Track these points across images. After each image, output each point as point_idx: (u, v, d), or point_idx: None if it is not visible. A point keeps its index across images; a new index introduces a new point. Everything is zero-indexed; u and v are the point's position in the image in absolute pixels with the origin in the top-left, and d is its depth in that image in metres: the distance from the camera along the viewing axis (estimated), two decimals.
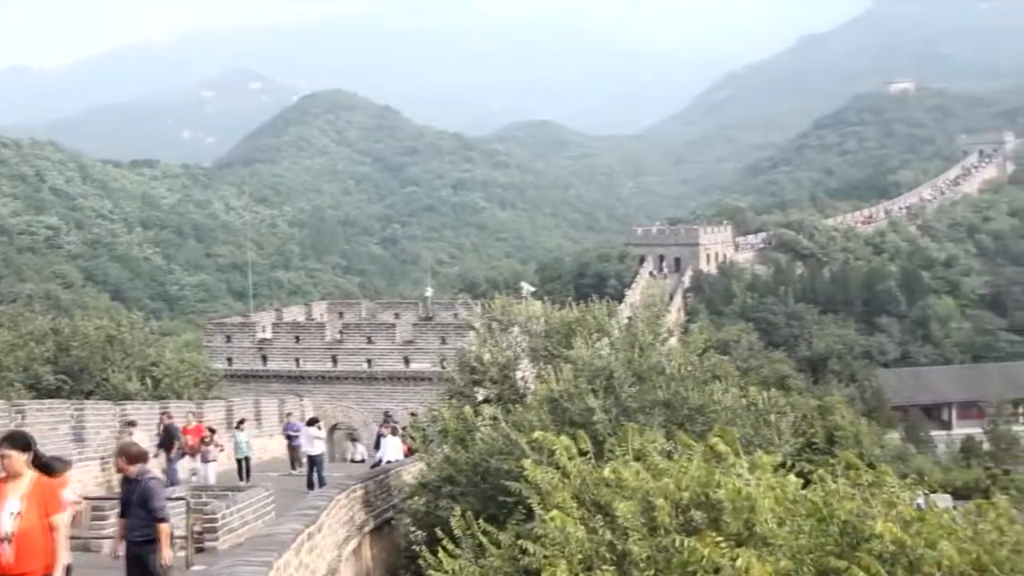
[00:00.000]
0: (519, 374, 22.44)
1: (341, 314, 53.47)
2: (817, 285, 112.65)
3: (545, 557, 9.09)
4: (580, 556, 9.07)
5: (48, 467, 9.15)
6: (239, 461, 26.63)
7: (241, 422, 28.18)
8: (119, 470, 11.14)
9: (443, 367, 35.11)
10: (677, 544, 8.47)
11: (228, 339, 45.35)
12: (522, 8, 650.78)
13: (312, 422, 26.55)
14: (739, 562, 7.85)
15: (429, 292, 59.98)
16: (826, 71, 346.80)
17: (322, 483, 23.17)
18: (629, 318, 23.09)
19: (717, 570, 8.00)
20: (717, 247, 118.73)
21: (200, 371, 39.21)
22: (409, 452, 27.13)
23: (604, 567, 8.90)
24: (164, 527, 10.29)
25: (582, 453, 10.91)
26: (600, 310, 23.02)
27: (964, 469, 60.24)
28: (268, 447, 33.54)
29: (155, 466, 22.07)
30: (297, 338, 44.80)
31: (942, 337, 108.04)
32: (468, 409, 18.35)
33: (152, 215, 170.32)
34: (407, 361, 43.23)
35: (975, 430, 77.57)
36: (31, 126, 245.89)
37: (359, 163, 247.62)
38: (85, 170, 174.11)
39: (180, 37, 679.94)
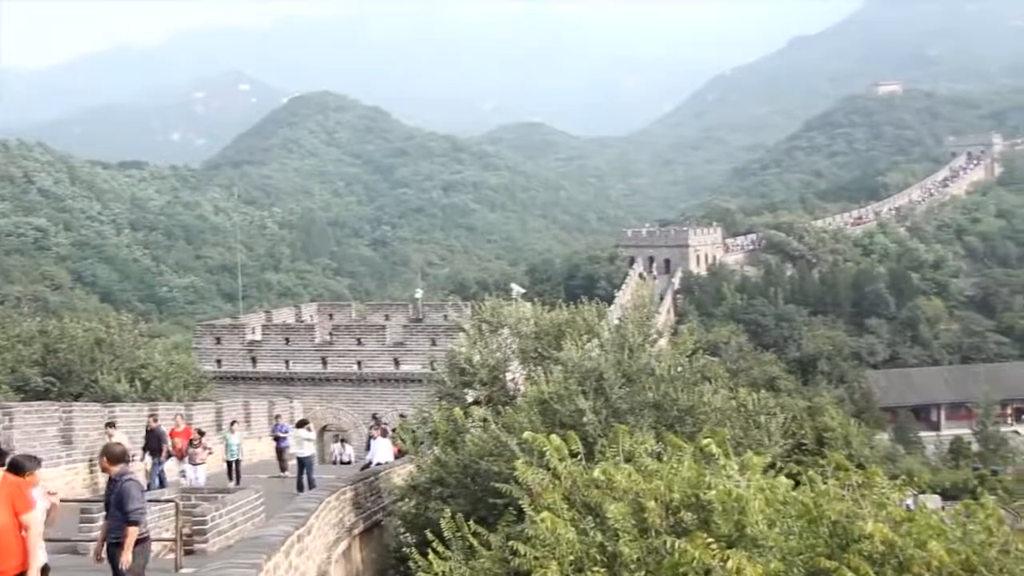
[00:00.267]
0: (509, 376, 22.43)
1: (331, 316, 53.40)
2: (806, 286, 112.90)
3: (536, 558, 9.08)
4: (571, 557, 9.07)
5: (17, 466, 9.12)
6: (229, 463, 26.56)
7: (232, 424, 28.11)
8: (103, 470, 11.11)
9: (433, 369, 35.09)
10: (668, 545, 8.47)
11: (218, 341, 45.20)
12: (512, 10, 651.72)
13: (302, 424, 26.48)
14: (730, 563, 7.85)
15: (419, 294, 59.85)
16: (815, 73, 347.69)
17: (312, 485, 23.11)
18: (619, 319, 23.09)
19: (708, 571, 8.00)
20: (707, 249, 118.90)
21: (189, 373, 39.14)
22: (399, 454, 27.11)
23: (595, 568, 8.89)
24: (132, 530, 10.22)
25: (572, 454, 10.90)
26: (590, 312, 23.03)
27: (953, 470, 60.45)
28: (257, 449, 33.47)
29: (140, 469, 22.04)
30: (287, 340, 44.68)
31: (931, 338, 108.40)
32: (458, 411, 18.33)
33: (141, 217, 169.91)
34: (397, 363, 43.16)
35: (964, 431, 77.87)
36: (19, 127, 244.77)
37: (349, 165, 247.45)
38: (73, 172, 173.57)
39: (169, 38, 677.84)
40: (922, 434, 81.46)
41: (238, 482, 25.20)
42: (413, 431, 20.59)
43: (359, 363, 43.51)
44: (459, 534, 11.13)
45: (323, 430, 42.29)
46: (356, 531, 19.18)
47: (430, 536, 11.52)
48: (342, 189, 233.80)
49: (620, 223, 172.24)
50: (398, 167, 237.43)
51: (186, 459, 24.23)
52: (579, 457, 10.97)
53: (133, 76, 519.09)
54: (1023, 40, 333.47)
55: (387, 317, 51.84)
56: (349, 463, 35.35)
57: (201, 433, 25.17)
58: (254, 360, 44.42)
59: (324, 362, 43.85)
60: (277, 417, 32.22)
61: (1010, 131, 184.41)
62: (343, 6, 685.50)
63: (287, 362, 44.09)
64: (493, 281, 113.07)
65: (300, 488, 23.27)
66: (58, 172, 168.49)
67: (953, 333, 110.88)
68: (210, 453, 25.10)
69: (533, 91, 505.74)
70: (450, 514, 11.61)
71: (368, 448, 28.86)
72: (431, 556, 10.75)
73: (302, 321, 50.70)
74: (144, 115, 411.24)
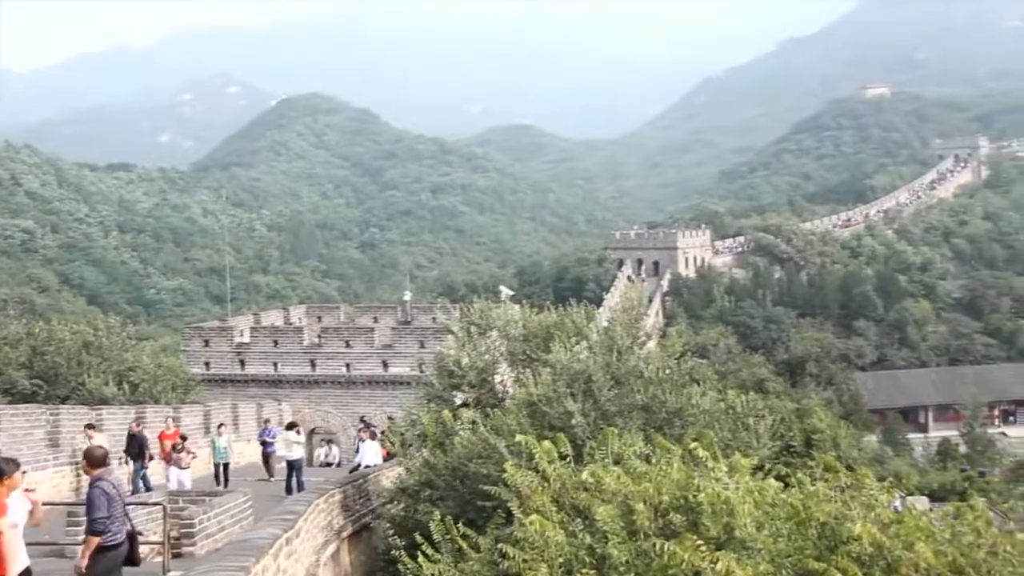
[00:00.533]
0: (498, 378, 22.41)
1: (319, 318, 53.33)
2: (795, 289, 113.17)
3: (524, 561, 9.07)
4: (560, 560, 9.05)
5: None
6: (217, 466, 26.44)
7: (220, 426, 27.98)
8: (85, 473, 11.02)
9: (422, 371, 35.06)
10: (656, 548, 8.46)
11: (206, 343, 45.09)
12: (501, 12, 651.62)
13: (291, 426, 26.40)
14: (719, 566, 7.85)
15: (408, 296, 59.81)
16: (803, 76, 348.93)
17: (300, 488, 23.05)
18: (608, 322, 23.09)
19: (697, 574, 7.99)
20: (695, 251, 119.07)
21: (177, 375, 39.00)
22: (387, 456, 27.05)
23: (584, 571, 8.88)
24: (91, 539, 10.08)
25: (561, 457, 10.89)
26: (578, 314, 23.02)
27: (941, 471, 60.71)
28: (246, 452, 33.36)
29: (124, 473, 21.94)
30: (275, 342, 44.60)
31: (918, 340, 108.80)
32: (447, 413, 18.30)
33: (129, 219, 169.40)
34: (386, 365, 43.13)
35: (951, 433, 78.18)
36: (6, 129, 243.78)
37: (338, 167, 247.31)
38: (61, 174, 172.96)
39: (158, 40, 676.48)
40: (910, 436, 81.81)
41: (226, 485, 25.09)
42: (402, 434, 20.55)
43: (348, 365, 43.47)
44: (448, 537, 11.11)
45: (312, 433, 42.21)
46: (345, 534, 19.14)
47: (419, 539, 11.49)
48: (331, 191, 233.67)
49: (609, 225, 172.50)
50: (387, 169, 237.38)
51: (171, 463, 24.08)
52: (568, 459, 10.96)
53: (122, 77, 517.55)
54: (1009, 44, 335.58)
55: (376, 319, 51.79)
56: (332, 464, 35.24)
57: (183, 438, 25.02)
58: (242, 363, 44.32)
59: (313, 364, 43.78)
60: (266, 421, 32.07)
61: (996, 134, 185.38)
62: (331, 9, 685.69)
63: (275, 364, 44.01)
64: (482, 283, 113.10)
65: (289, 491, 23.20)
66: (45, 174, 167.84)
67: (941, 335, 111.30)
68: (194, 457, 24.95)
69: (522, 93, 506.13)
70: (439, 517, 11.59)
71: (357, 451, 28.79)
72: (420, 559, 10.73)
73: (290, 323, 50.63)
74: (132, 117, 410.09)
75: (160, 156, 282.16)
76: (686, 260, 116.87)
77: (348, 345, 43.83)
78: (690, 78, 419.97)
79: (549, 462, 10.65)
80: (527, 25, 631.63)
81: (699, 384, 19.56)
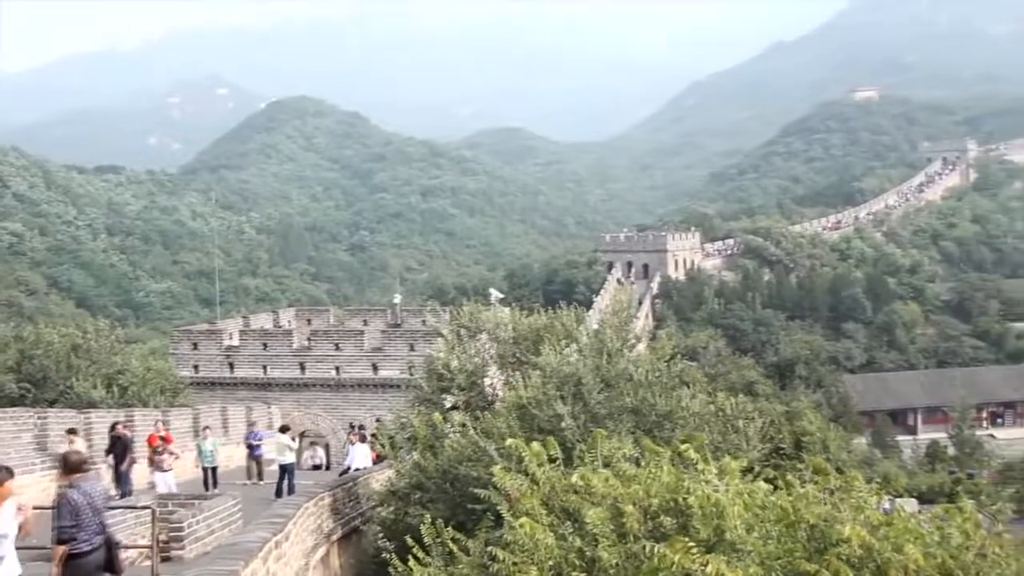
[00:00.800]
0: (487, 381, 22.39)
1: (309, 321, 53.18)
2: (784, 291, 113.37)
3: (514, 564, 9.07)
4: (550, 563, 9.05)
5: None
6: (205, 470, 26.31)
7: (205, 429, 27.82)
8: (60, 478, 10.93)
9: (411, 374, 35.03)
10: (646, 550, 8.47)
11: (195, 346, 44.97)
12: (490, 15, 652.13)
13: (284, 429, 26.30)
14: (709, 568, 7.85)
15: (397, 299, 59.78)
16: (792, 79, 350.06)
17: (291, 491, 23.00)
18: (598, 324, 23.10)
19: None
20: (685, 253, 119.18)
21: (166, 379, 38.90)
22: (377, 459, 27.00)
23: (574, 574, 8.89)
24: (55, 548, 10.00)
25: (551, 460, 10.89)
26: (568, 317, 23.01)
27: (929, 473, 60.78)
28: (235, 455, 33.24)
29: (107, 477, 21.82)
30: (264, 345, 44.51)
31: (907, 343, 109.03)
32: (438, 416, 18.29)
33: (118, 221, 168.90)
34: (375, 368, 43.08)
35: (940, 435, 78.35)
36: None
37: (327, 169, 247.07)
38: (49, 176, 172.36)
39: (147, 42, 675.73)
40: (899, 438, 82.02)
41: (214, 488, 24.98)
42: (391, 436, 20.52)
43: (337, 369, 43.41)
44: (439, 540, 11.10)
45: (301, 436, 42.10)
46: (335, 537, 19.11)
47: (410, 542, 11.48)
48: (320, 194, 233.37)
49: (598, 228, 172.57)
50: (376, 172, 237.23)
51: (153, 466, 23.90)
52: (557, 462, 10.96)
53: (110, 80, 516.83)
54: (997, 48, 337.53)
55: (365, 322, 51.70)
56: (320, 467, 35.11)
57: (164, 439, 24.83)
58: (232, 366, 44.21)
59: (302, 368, 43.70)
60: (251, 424, 31.81)
61: (984, 137, 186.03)
62: (320, 12, 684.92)
63: (265, 368, 43.92)
64: (472, 286, 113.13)
65: (279, 494, 23.13)
66: (33, 176, 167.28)
67: (929, 337, 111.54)
68: (177, 458, 24.77)
69: (512, 96, 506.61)
70: (430, 520, 11.58)
71: (347, 454, 28.72)
72: (411, 562, 10.71)
73: (280, 326, 50.50)
74: (121, 119, 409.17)
75: (149, 158, 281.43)
76: (676, 263, 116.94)
77: (338, 348, 43.76)
78: (674, 82, 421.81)
79: (539, 465, 10.65)
80: (518, 27, 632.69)
81: (689, 387, 19.58)
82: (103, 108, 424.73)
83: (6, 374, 33.76)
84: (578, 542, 9.24)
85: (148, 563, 13.87)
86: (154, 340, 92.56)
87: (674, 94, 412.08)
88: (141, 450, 24.90)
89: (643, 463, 10.75)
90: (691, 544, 8.20)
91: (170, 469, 23.57)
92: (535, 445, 11.01)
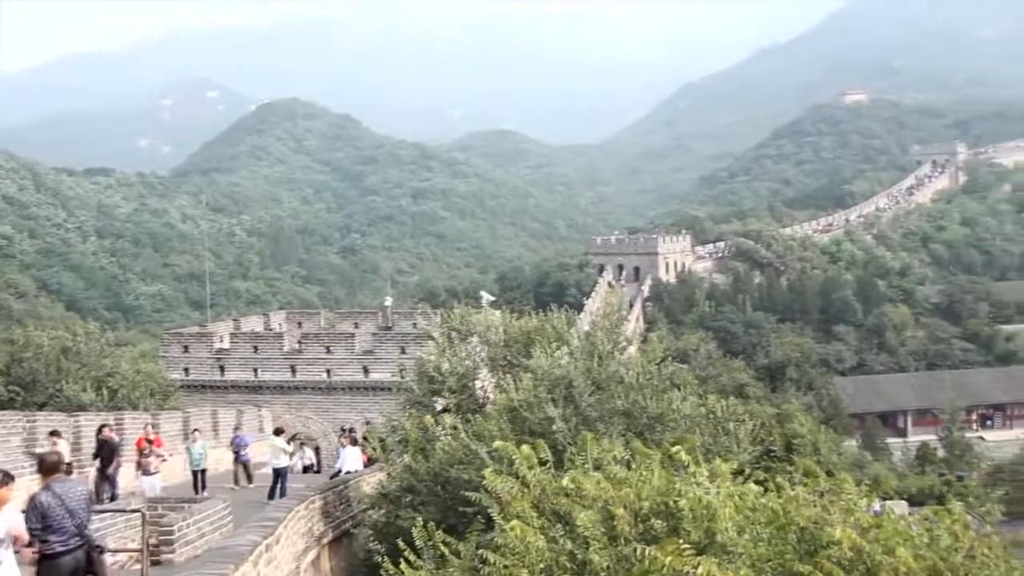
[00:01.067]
0: (478, 384, 22.38)
1: (300, 324, 53.03)
2: (775, 294, 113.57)
3: (505, 567, 9.06)
4: (540, 566, 9.05)
5: None
6: (195, 473, 26.19)
7: (194, 432, 27.70)
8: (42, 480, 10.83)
9: (402, 377, 34.98)
10: (637, 553, 8.47)
11: (185, 349, 44.83)
12: (482, 18, 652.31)
13: (278, 432, 26.20)
14: (700, 570, 7.86)
15: (388, 302, 59.64)
16: (782, 82, 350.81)
17: (283, 494, 22.94)
18: (589, 327, 23.11)
19: None
20: (676, 256, 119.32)
21: (156, 382, 38.78)
22: (368, 462, 26.95)
23: None
24: (24, 550, 9.89)
25: (542, 462, 10.88)
26: (559, 319, 23.02)
27: (919, 476, 60.91)
28: (225, 459, 33.13)
29: (91, 480, 21.71)
30: (255, 348, 44.39)
31: (897, 345, 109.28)
32: (429, 418, 18.27)
33: (108, 224, 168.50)
34: (366, 371, 42.99)
35: (930, 437, 78.55)
36: None
37: (318, 172, 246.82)
38: (39, 179, 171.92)
39: (137, 44, 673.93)
40: (889, 440, 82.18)
41: (203, 491, 24.88)
42: (382, 439, 20.49)
43: (328, 371, 43.31)
44: (430, 543, 11.09)
45: (292, 439, 41.99)
46: (325, 540, 19.08)
47: (401, 544, 11.47)
48: (311, 196, 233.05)
49: (589, 231, 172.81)
50: (367, 175, 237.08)
51: (139, 469, 23.77)
52: (548, 465, 10.96)
53: (99, 82, 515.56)
54: (986, 51, 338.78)
55: (356, 325, 51.57)
56: (310, 468, 34.98)
57: (150, 442, 24.72)
58: (222, 368, 44.09)
59: (293, 370, 43.61)
60: (236, 428, 31.54)
61: (973, 140, 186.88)
62: (311, 14, 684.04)
63: (256, 370, 43.81)
64: (462, 289, 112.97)
65: (272, 497, 23.06)
66: (23, 179, 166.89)
67: (919, 340, 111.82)
68: (164, 460, 24.64)
69: (503, 99, 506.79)
70: (421, 523, 11.57)
71: (338, 456, 28.65)
72: (403, 565, 10.70)
73: (271, 329, 50.37)
74: (112, 121, 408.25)
75: (139, 161, 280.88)
76: (667, 265, 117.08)
77: (328, 351, 43.66)
78: (662, 86, 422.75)
79: (529, 468, 10.65)
80: (508, 31, 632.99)
81: (680, 389, 19.58)
82: (95, 109, 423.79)
83: None
84: (569, 545, 9.23)
85: (138, 567, 13.83)
86: (144, 343, 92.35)
87: (665, 97, 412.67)
88: (131, 453, 24.81)
89: (634, 466, 10.75)
90: (686, 546, 8.21)
91: (156, 472, 23.45)
92: (526, 448, 11.00)
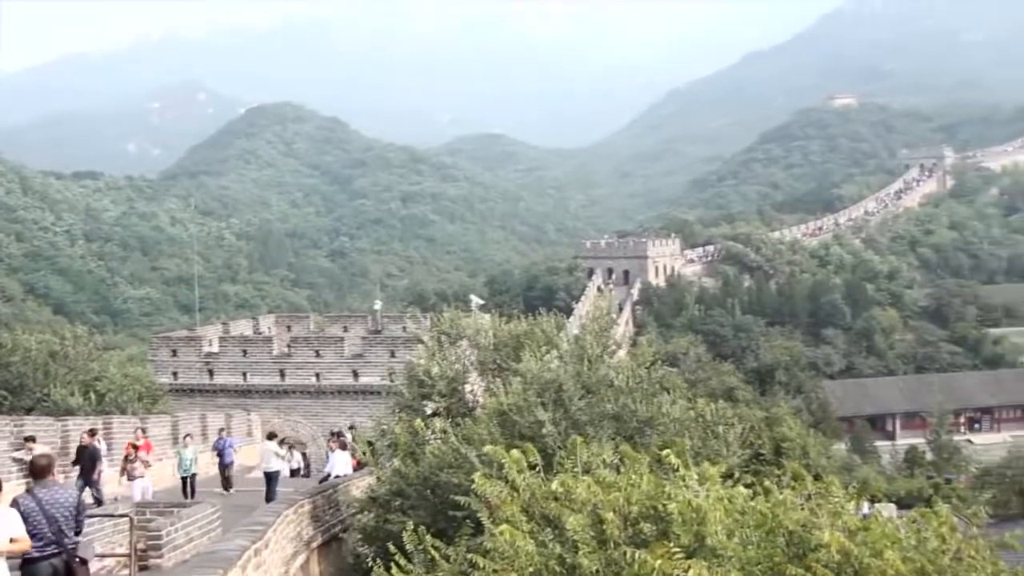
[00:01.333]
0: (468, 387, 22.36)
1: (289, 327, 52.97)
2: (764, 297, 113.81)
3: (495, 572, 9.05)
4: (530, 570, 9.04)
5: None
6: (184, 478, 26.09)
7: (186, 437, 27.65)
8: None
9: (392, 381, 34.95)
10: (627, 557, 8.47)
11: (174, 353, 44.75)
12: (471, 22, 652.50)
13: (271, 436, 26.11)
14: (690, 573, 7.87)
15: (378, 305, 59.58)
16: (771, 86, 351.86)
17: (272, 497, 22.88)
18: (578, 331, 23.12)
19: None
20: (665, 260, 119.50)
21: (145, 385, 38.66)
22: (358, 466, 26.91)
23: None
24: None
25: (531, 466, 10.88)
26: (549, 323, 23.01)
27: (908, 478, 61.02)
28: (214, 464, 33.04)
29: (72, 486, 21.57)
30: (244, 352, 44.33)
31: (886, 348, 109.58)
32: (419, 422, 18.25)
33: (96, 227, 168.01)
34: (356, 375, 42.97)
35: (918, 440, 78.73)
36: None
37: (307, 176, 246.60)
38: (26, 182, 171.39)
39: (126, 47, 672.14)
40: (878, 443, 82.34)
41: (192, 497, 24.80)
42: (371, 443, 20.45)
43: (317, 375, 43.29)
44: (420, 547, 11.07)
45: (281, 443, 41.91)
46: (315, 544, 19.03)
47: (391, 549, 11.45)
48: (300, 200, 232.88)
49: (579, 234, 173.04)
50: (356, 178, 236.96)
51: (124, 474, 23.61)
52: (538, 469, 10.96)
53: (88, 85, 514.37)
54: (974, 56, 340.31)
55: (345, 329, 51.53)
56: (298, 471, 34.88)
57: (135, 447, 24.59)
58: (211, 372, 44.02)
59: (282, 374, 43.56)
60: (220, 431, 31.41)
61: (961, 144, 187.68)
62: (312, 14, 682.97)
63: (245, 374, 43.75)
64: (452, 292, 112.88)
65: (269, 501, 22.98)
66: (10, 182, 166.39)
67: (907, 343, 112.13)
68: (149, 466, 24.50)
69: (492, 102, 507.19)
70: (411, 527, 11.55)
71: (327, 460, 28.59)
72: (392, 569, 10.68)
73: (260, 333, 50.30)
74: (102, 123, 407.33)
75: (127, 164, 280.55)
76: (656, 269, 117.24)
77: (318, 355, 43.63)
78: (652, 90, 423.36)
79: (519, 472, 10.65)
80: (497, 34, 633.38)
81: (669, 393, 19.61)
82: (86, 112, 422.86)
83: None
84: (558, 549, 9.23)
85: (126, 572, 13.79)
86: (133, 347, 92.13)
87: (653, 101, 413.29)
88: (119, 458, 24.70)
89: (623, 469, 10.76)
90: (672, 550, 8.22)
91: (142, 476, 23.30)
92: (515, 452, 11.00)
